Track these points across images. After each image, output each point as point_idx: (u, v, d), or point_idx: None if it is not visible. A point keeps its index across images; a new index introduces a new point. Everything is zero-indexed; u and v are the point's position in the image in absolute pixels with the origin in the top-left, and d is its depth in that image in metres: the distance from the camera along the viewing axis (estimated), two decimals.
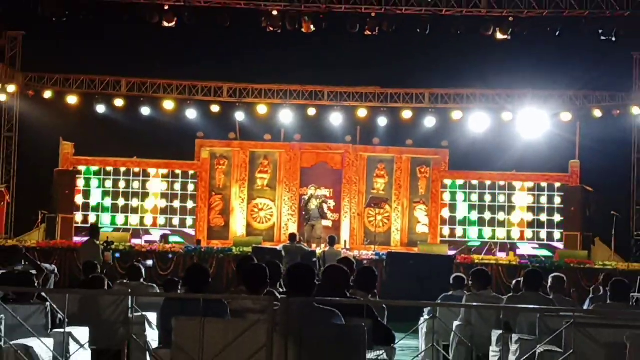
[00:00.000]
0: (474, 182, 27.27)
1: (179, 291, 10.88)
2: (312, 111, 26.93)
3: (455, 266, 19.73)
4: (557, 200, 26.74)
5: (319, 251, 21.94)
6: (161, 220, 26.99)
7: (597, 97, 26.95)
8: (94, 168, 27.20)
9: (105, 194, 27.16)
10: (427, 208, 27.20)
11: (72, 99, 27.02)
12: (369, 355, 6.37)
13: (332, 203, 26.88)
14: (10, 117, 28.14)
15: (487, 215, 27.08)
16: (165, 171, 27.38)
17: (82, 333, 8.26)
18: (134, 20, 21.18)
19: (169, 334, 6.71)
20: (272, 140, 27.52)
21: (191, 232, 26.71)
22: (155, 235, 26.14)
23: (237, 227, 27.07)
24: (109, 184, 27.22)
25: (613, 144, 27.17)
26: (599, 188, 26.21)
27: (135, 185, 27.24)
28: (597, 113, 26.35)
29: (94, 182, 27.15)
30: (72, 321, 8.51)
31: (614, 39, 21.20)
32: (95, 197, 27.06)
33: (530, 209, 27.04)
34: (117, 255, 21.24)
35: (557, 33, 21.03)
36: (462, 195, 27.25)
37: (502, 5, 20.95)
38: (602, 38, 21.19)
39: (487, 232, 26.86)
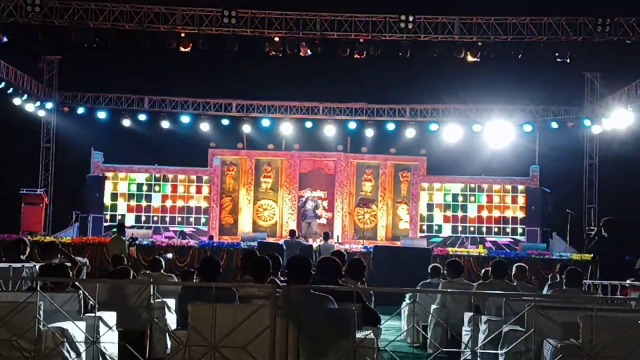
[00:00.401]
0: (449, 185, 27.29)
1: (194, 280, 10.86)
2: (308, 124, 26.95)
3: (432, 257, 19.74)
4: (520, 200, 26.81)
5: (315, 245, 21.94)
6: (179, 218, 26.98)
7: (554, 111, 27.00)
8: (121, 174, 27.22)
9: (130, 196, 27.16)
10: (408, 207, 27.21)
11: (101, 114, 27.04)
12: (358, 335, 6.35)
13: (325, 203, 26.88)
14: (49, 131, 28.15)
15: (460, 214, 27.11)
16: (182, 176, 27.39)
17: (110, 317, 8.25)
18: (155, 46, 21.17)
19: (185, 317, 6.70)
20: (274, 149, 27.53)
21: (205, 229, 26.70)
22: (174, 232, 26.12)
23: (245, 224, 27.07)
24: (133, 187, 27.22)
25: (568, 152, 27.24)
26: (555, 189, 26.27)
27: (156, 188, 27.25)
28: (554, 125, 26.42)
29: (121, 186, 27.13)
30: (101, 307, 8.50)
31: (568, 60, 21.20)
32: (121, 199, 27.04)
33: (497, 208, 27.08)
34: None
35: (520, 56, 21.02)
36: (438, 196, 27.27)
37: (472, 32, 20.93)
38: (558, 60, 21.19)
39: (459, 228, 26.86)
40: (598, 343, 6.23)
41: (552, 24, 20.72)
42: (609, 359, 6.21)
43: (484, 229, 26.77)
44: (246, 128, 27.04)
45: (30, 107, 26.00)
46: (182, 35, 21.07)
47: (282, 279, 8.64)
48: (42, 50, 26.08)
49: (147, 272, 12.78)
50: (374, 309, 7.74)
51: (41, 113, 26.96)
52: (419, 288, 12.15)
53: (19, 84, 25.42)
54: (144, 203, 27.13)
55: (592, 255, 14.86)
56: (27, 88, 26.05)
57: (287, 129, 26.87)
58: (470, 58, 21.09)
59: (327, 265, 7.82)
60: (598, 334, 6.24)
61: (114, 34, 20.91)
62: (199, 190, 27.32)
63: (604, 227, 14.04)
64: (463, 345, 9.88)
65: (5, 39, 20.95)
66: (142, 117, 26.91)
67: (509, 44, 20.95)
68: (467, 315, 10.11)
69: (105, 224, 25.42)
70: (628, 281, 12.80)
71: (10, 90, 24.72)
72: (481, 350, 8.74)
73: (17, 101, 25.13)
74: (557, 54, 21.02)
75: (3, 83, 24.21)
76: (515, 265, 11.95)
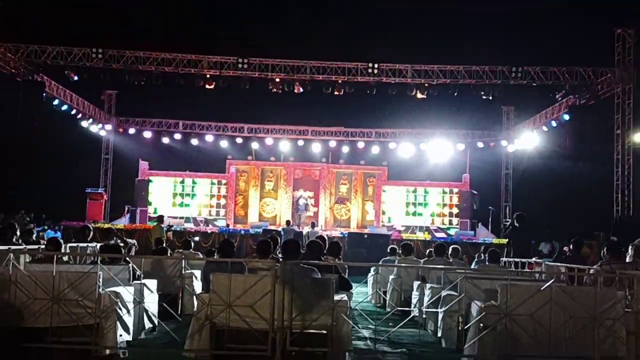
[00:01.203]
0: (403, 187, 27.31)
1: (215, 256, 10.83)
2: (300, 142, 26.99)
3: (390, 241, 19.75)
4: (455, 199, 26.85)
5: (304, 231, 21.92)
6: (204, 211, 26.86)
7: (480, 134, 27.15)
8: (161, 178, 27.06)
9: (168, 194, 27.02)
10: (374, 204, 27.21)
11: (147, 134, 27.00)
12: (336, 297, 6.34)
13: (313, 201, 26.86)
14: (107, 145, 28.08)
15: (411, 208, 27.12)
16: (206, 180, 27.27)
17: (152, 284, 8.21)
18: (187, 84, 21.11)
19: (208, 284, 6.67)
20: (275, 161, 27.47)
21: (223, 219, 26.60)
22: (200, 220, 26.01)
23: (253, 216, 26.98)
24: (170, 188, 27.07)
25: (490, 164, 27.46)
26: (481, 192, 26.37)
27: (187, 189, 27.11)
28: (480, 144, 26.59)
29: (161, 187, 26.99)
30: (146, 276, 8.44)
31: (490, 98, 21.30)
32: (161, 197, 26.90)
33: (438, 205, 27.12)
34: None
35: (455, 94, 21.08)
36: (395, 196, 27.28)
37: (421, 76, 21.00)
38: (483, 97, 21.27)
39: (411, 219, 26.87)
40: (511, 303, 6.24)
41: (479, 71, 20.81)
42: (519, 315, 6.22)
43: (429, 220, 26.79)
44: (254, 145, 27.03)
45: (94, 128, 25.93)
46: (208, 76, 21.02)
47: (280, 255, 8.61)
48: (103, 86, 25.99)
49: (180, 250, 12.73)
50: (347, 278, 7.72)
51: (102, 133, 26.88)
52: (380, 263, 12.16)
53: (86, 111, 25.34)
54: (178, 199, 26.99)
55: (507, 240, 14.91)
56: (92, 114, 25.97)
57: (284, 146, 26.88)
58: (419, 95, 21.15)
59: (313, 246, 7.82)
60: (511, 297, 6.25)
61: (157, 74, 20.84)
62: (218, 191, 27.19)
63: (516, 219, 14.10)
64: (413, 305, 9.88)
65: (76, 77, 20.86)
66: (177, 136, 26.86)
67: (448, 85, 21.02)
68: (416, 284, 10.11)
69: (149, 215, 25.28)
70: (533, 259, 12.86)
71: (80, 115, 24.62)
72: (426, 309, 8.75)
73: (84, 124, 25.06)
74: (482, 93, 21.10)
75: (74, 110, 24.10)
76: (451, 246, 11.98)
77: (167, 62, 20.81)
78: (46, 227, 22.05)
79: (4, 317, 6.27)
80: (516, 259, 12.72)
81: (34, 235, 13.17)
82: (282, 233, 20.16)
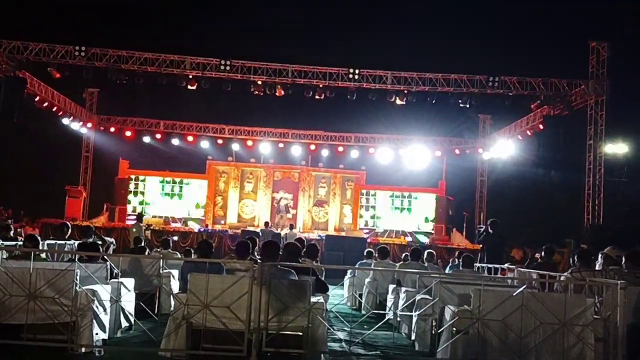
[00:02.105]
0: (381, 192, 27.39)
1: (193, 256, 10.76)
2: (281, 145, 26.93)
3: (367, 244, 19.76)
4: (431, 204, 26.95)
5: (283, 233, 21.84)
6: (183, 211, 26.68)
7: (457, 142, 27.31)
8: (141, 177, 26.84)
9: (147, 193, 26.81)
10: (352, 208, 27.26)
11: (128, 133, 26.79)
12: (313, 299, 6.33)
13: (292, 203, 26.84)
14: (88, 144, 27.78)
15: (388, 213, 27.19)
16: (186, 180, 27.10)
17: (129, 282, 8.12)
18: (169, 84, 20.97)
19: (186, 283, 6.62)
20: (255, 163, 27.39)
21: (202, 219, 26.45)
22: (179, 220, 25.84)
23: (232, 216, 26.87)
24: (150, 187, 26.87)
25: (466, 171, 27.65)
26: (456, 198, 26.57)
27: (167, 188, 26.93)
28: (457, 151, 26.73)
29: (140, 186, 26.78)
30: (123, 274, 8.36)
31: (468, 106, 21.42)
32: (140, 195, 26.69)
33: (414, 209, 27.21)
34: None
35: (434, 101, 21.18)
36: (372, 200, 27.36)
37: (400, 83, 21.06)
38: (461, 105, 21.40)
39: (388, 223, 26.92)
40: (484, 308, 6.29)
41: (457, 79, 20.93)
42: (491, 320, 6.26)
43: (405, 224, 26.86)
44: (235, 146, 26.89)
45: (75, 126, 25.65)
46: (190, 77, 20.90)
47: (258, 257, 8.58)
48: (85, 84, 25.72)
49: (158, 249, 12.63)
50: (324, 281, 7.72)
51: (83, 130, 26.60)
52: (357, 266, 12.15)
53: (67, 109, 25.06)
54: (157, 198, 26.79)
55: (481, 245, 14.99)
56: (73, 112, 25.69)
57: (265, 148, 26.80)
58: (398, 101, 21.21)
59: (291, 248, 7.80)
60: (484, 302, 6.30)
61: (139, 74, 20.66)
62: (198, 191, 27.04)
63: (490, 225, 14.16)
64: (388, 308, 9.90)
65: (58, 75, 20.61)
66: (158, 135, 26.66)
67: (426, 92, 21.11)
68: (391, 287, 10.14)
69: (127, 214, 25.05)
70: (506, 265, 12.95)
71: (61, 113, 24.34)
72: (400, 313, 8.77)
73: (65, 121, 24.77)
74: (460, 101, 21.22)
75: (55, 107, 23.81)
76: (426, 251, 12.05)
77: (150, 61, 20.65)
78: (24, 224, 21.74)
79: None
80: (489, 265, 12.79)
81: (12, 232, 12.98)
82: (260, 234, 20.07)
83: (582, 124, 21.07)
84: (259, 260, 7.07)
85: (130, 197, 26.08)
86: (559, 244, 19.02)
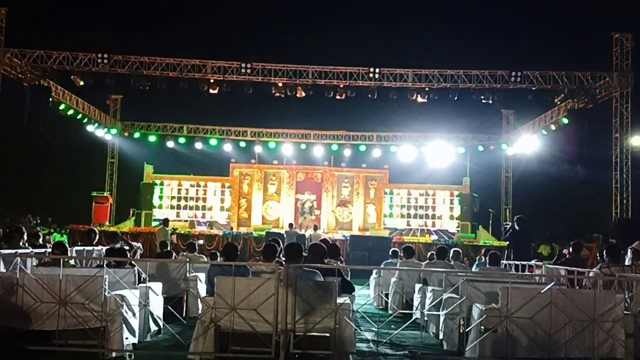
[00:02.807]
0: (404, 190, 27.29)
1: (219, 259, 10.82)
2: (303, 146, 26.98)
3: (392, 243, 19.69)
4: (455, 202, 26.77)
5: (307, 234, 21.85)
6: (208, 214, 26.84)
7: (480, 138, 27.12)
8: (166, 182, 27.07)
9: (172, 197, 27.02)
10: (375, 207, 27.19)
11: (152, 138, 27.01)
12: (338, 300, 6.34)
13: (315, 203, 26.87)
14: (113, 149, 28.07)
15: (412, 211, 27.08)
16: (211, 183, 27.26)
17: (157, 286, 8.20)
18: (191, 88, 21.09)
19: (212, 286, 6.67)
20: (278, 164, 27.44)
21: (227, 222, 26.58)
22: (204, 223, 25.97)
23: (256, 218, 26.95)
24: (175, 191, 27.07)
25: (490, 167, 27.47)
26: (481, 195, 26.35)
27: (192, 192, 27.09)
28: (480, 148, 26.53)
29: (166, 190, 26.99)
30: (151, 279, 8.47)
31: (490, 102, 21.21)
32: (166, 200, 26.91)
33: (439, 207, 27.07)
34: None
35: (456, 98, 21.02)
36: (397, 199, 27.26)
37: (421, 80, 20.96)
38: (483, 101, 21.20)
39: (412, 222, 26.82)
40: (512, 306, 6.24)
41: (479, 75, 20.77)
42: (519, 317, 6.22)
43: (430, 223, 26.73)
44: (258, 148, 26.98)
45: (100, 133, 25.95)
46: (212, 81, 21.00)
47: (283, 259, 8.61)
48: (109, 91, 26.02)
49: (185, 253, 12.72)
50: (349, 281, 7.72)
51: (108, 137, 26.89)
52: (382, 266, 12.12)
53: (92, 116, 25.37)
54: (182, 202, 26.98)
55: (507, 242, 14.87)
56: (98, 118, 26.00)
57: (287, 149, 26.85)
58: (420, 99, 21.09)
59: (315, 249, 7.82)
60: (512, 299, 6.25)
61: (162, 79, 20.82)
62: (222, 194, 27.17)
63: (516, 222, 14.07)
64: (414, 308, 9.87)
65: (82, 83, 20.87)
66: (182, 140, 26.88)
67: (448, 89, 20.98)
68: (418, 286, 10.09)
69: (154, 218, 25.28)
70: (533, 262, 12.82)
71: (85, 120, 24.67)
72: (427, 312, 8.74)
73: (90, 128, 25.09)
74: (482, 97, 21.04)
75: (80, 115, 24.14)
76: (452, 249, 11.97)
77: (172, 67, 20.80)
78: (52, 231, 22.09)
79: (11, 320, 6.28)
80: (516, 262, 12.69)
81: (41, 239, 13.18)
82: (284, 236, 20.11)
83: (607, 117, 20.77)
84: (284, 262, 7.10)
85: (156, 201, 26.30)
86: (586, 239, 18.83)
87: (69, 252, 9.57)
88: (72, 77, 20.64)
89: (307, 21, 29.17)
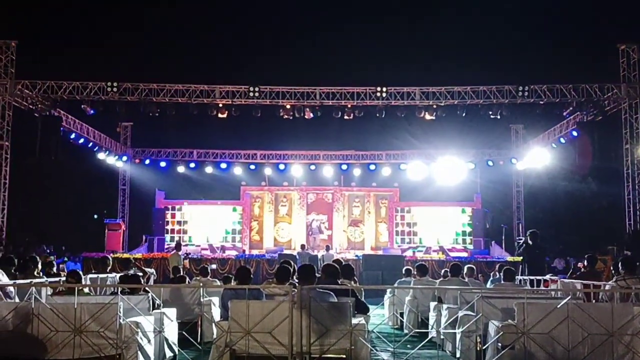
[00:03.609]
0: (415, 208, 27.22)
1: (232, 283, 10.80)
2: (313, 167, 26.99)
3: (405, 262, 19.59)
4: (467, 218, 26.68)
5: (319, 255, 21.80)
6: (220, 238, 26.85)
7: (490, 153, 27.02)
8: (177, 207, 27.16)
9: (184, 222, 27.09)
10: (387, 225, 27.12)
11: (162, 164, 27.17)
12: (353, 320, 6.31)
13: (326, 224, 26.86)
14: (124, 176, 28.23)
15: (424, 229, 26.97)
16: (222, 207, 27.32)
17: (171, 312, 8.19)
18: (200, 113, 21.22)
19: (226, 310, 6.66)
20: (288, 186, 27.50)
21: (239, 245, 26.59)
22: (216, 247, 25.97)
23: (268, 241, 26.96)
24: (186, 216, 27.15)
25: (500, 182, 27.38)
26: (493, 210, 26.27)
27: (203, 217, 27.17)
28: (490, 163, 26.40)
29: (177, 216, 27.08)
30: (165, 304, 8.45)
31: (499, 117, 21.19)
32: (177, 225, 26.98)
33: (451, 224, 26.95)
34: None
35: (464, 114, 21.01)
36: (408, 217, 27.19)
37: (428, 98, 20.97)
38: (491, 117, 21.18)
39: (424, 239, 26.70)
40: (528, 322, 6.19)
41: (486, 91, 20.78)
42: (537, 333, 6.16)
43: (442, 240, 26.59)
44: (267, 171, 27.06)
45: (111, 160, 26.11)
46: (220, 105, 21.12)
47: (296, 280, 8.59)
48: (119, 119, 26.23)
49: (198, 278, 12.71)
50: (364, 301, 7.68)
51: (119, 164, 27.05)
52: (396, 285, 12.06)
53: (103, 144, 25.57)
54: (194, 227, 27.04)
55: (521, 257, 14.76)
56: (109, 146, 26.18)
57: (297, 170, 26.90)
58: (427, 116, 21.09)
59: (329, 270, 7.80)
60: (528, 315, 6.20)
61: (171, 105, 20.98)
62: (234, 217, 27.24)
63: (529, 236, 13.97)
64: (430, 326, 9.79)
65: (92, 112, 21.06)
66: (192, 164, 27.00)
67: (456, 106, 20.98)
68: (432, 304, 10.03)
69: (166, 244, 25.32)
70: (548, 276, 12.73)
71: (96, 148, 24.86)
72: (443, 330, 8.67)
73: (101, 156, 25.25)
74: (490, 112, 21.02)
75: (91, 143, 24.34)
76: (466, 266, 11.91)
77: (181, 93, 20.97)
78: (66, 259, 22.15)
79: (28, 350, 6.29)
80: (531, 277, 12.59)
81: (55, 268, 13.22)
82: (297, 257, 20.08)
83: (617, 129, 20.70)
84: (297, 284, 7.08)
85: (168, 226, 26.37)
86: (600, 252, 18.65)
87: (83, 280, 9.58)
88: (82, 106, 20.84)
89: (312, 43, 29.38)
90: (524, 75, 21.49)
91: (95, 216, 25.32)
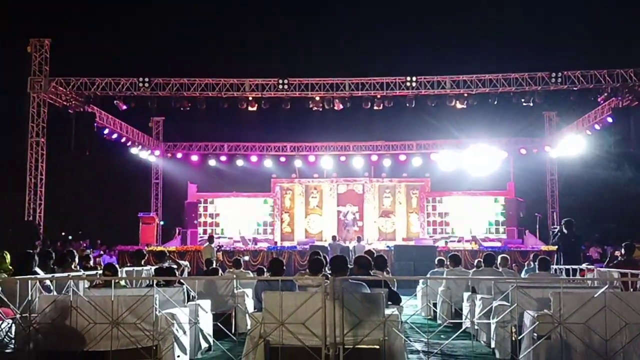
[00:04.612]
0: (447, 198, 27.04)
1: (265, 275, 10.88)
2: (342, 158, 26.95)
3: (437, 252, 19.47)
4: (500, 208, 26.40)
5: (351, 246, 21.81)
6: (252, 230, 27.03)
7: (523, 141, 26.61)
8: (209, 199, 27.42)
9: (216, 215, 27.34)
10: (418, 216, 27.00)
11: (194, 157, 27.42)
12: (386, 312, 6.30)
13: (358, 215, 26.83)
14: (157, 170, 28.58)
15: (456, 219, 26.77)
16: (253, 199, 27.50)
17: (206, 304, 8.28)
18: (231, 107, 21.34)
19: (260, 302, 6.71)
20: (318, 178, 27.54)
21: (270, 237, 26.73)
22: (249, 239, 26.13)
23: (299, 232, 27.06)
24: (219, 209, 27.40)
25: (534, 171, 26.99)
26: (526, 199, 25.93)
27: (235, 209, 27.38)
28: (523, 151, 26.04)
29: (210, 208, 27.34)
30: (200, 296, 8.56)
31: (531, 104, 20.89)
32: (210, 218, 27.24)
33: (484, 214, 26.70)
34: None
35: (495, 102, 20.77)
36: (439, 207, 27.01)
37: (459, 86, 20.77)
38: (524, 104, 20.90)
39: (457, 229, 26.48)
40: (565, 312, 6.11)
41: (518, 78, 20.50)
42: (573, 323, 6.08)
43: (475, 230, 26.33)
44: (298, 163, 27.11)
45: (144, 155, 26.43)
46: (250, 98, 21.23)
47: (328, 272, 8.60)
48: (151, 114, 26.50)
49: (231, 270, 12.83)
50: (396, 292, 7.67)
51: (152, 158, 27.37)
52: (429, 275, 12.01)
53: (135, 139, 25.88)
54: (226, 220, 27.27)
55: (556, 247, 14.57)
56: (141, 141, 26.50)
57: (327, 162, 26.88)
58: (458, 105, 20.91)
59: (362, 261, 7.81)
60: (564, 305, 6.12)
61: (201, 100, 21.15)
62: (265, 209, 27.39)
63: (564, 225, 13.79)
64: (464, 317, 9.74)
65: (125, 107, 21.34)
66: (223, 158, 27.18)
67: (487, 94, 20.74)
68: (466, 295, 9.97)
69: (199, 236, 25.57)
70: (584, 265, 12.55)
71: (129, 143, 25.18)
72: (477, 321, 8.62)
73: (134, 151, 25.57)
74: (522, 100, 20.74)
75: (124, 138, 24.66)
76: (500, 256, 11.80)
77: (211, 87, 21.11)
78: (102, 253, 22.55)
79: (67, 342, 6.42)
80: (567, 266, 12.42)
81: (91, 261, 13.47)
82: (328, 248, 20.11)
83: None
84: (329, 275, 7.09)
85: (201, 219, 26.64)
86: (638, 240, 18.29)
87: (119, 273, 9.75)
88: (115, 101, 21.12)
89: (341, 33, 29.27)
90: (557, 62, 21.09)
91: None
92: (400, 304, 7.39)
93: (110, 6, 30.75)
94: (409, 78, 20.76)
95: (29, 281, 6.75)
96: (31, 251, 9.24)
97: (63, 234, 26.15)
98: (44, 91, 20.62)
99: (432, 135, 26.93)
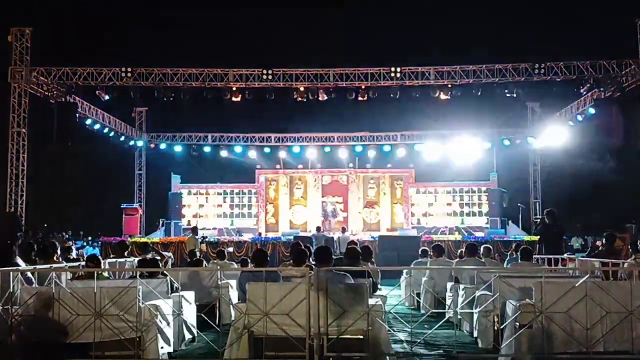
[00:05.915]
0: (431, 189, 27.14)
1: (249, 266, 10.86)
2: (327, 149, 26.96)
3: (421, 242, 19.54)
4: (484, 198, 26.51)
5: (335, 236, 21.84)
6: (236, 221, 26.97)
7: (506, 132, 26.75)
8: (193, 190, 27.30)
9: (200, 206, 27.24)
10: (402, 207, 27.08)
11: (178, 148, 27.33)
12: (370, 302, 6.33)
13: (342, 206, 26.87)
14: (140, 161, 28.40)
15: (440, 209, 26.89)
16: (237, 190, 27.42)
17: (190, 295, 8.26)
18: (214, 97, 21.24)
19: (244, 293, 6.71)
20: (303, 169, 27.51)
21: (254, 227, 26.69)
22: (232, 230, 26.09)
23: (284, 223, 27.04)
24: (202, 200, 27.29)
25: (517, 161, 27.19)
26: (509, 189, 26.09)
27: (219, 200, 27.30)
28: (506, 142, 26.19)
29: (193, 199, 27.23)
30: (183, 288, 8.53)
31: (514, 95, 21.03)
32: (194, 209, 27.13)
33: (467, 204, 26.83)
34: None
35: (479, 93, 20.84)
36: (423, 198, 27.12)
37: (443, 77, 20.82)
38: (507, 95, 21.01)
39: (440, 220, 26.57)
40: (546, 301, 6.18)
41: (502, 69, 20.60)
42: (555, 312, 6.15)
43: (458, 220, 26.48)
44: (282, 154, 27.07)
45: (126, 145, 26.23)
46: (234, 88, 21.13)
47: (313, 262, 8.62)
48: (133, 104, 26.31)
49: (215, 261, 12.79)
50: (374, 282, 7.70)
51: (134, 149, 27.19)
52: (412, 266, 12.07)
53: (118, 129, 25.69)
54: (210, 210, 27.18)
55: (538, 237, 14.70)
56: (124, 131, 26.32)
57: (311, 153, 26.87)
58: (442, 96, 20.96)
59: (352, 252, 7.84)
60: (546, 294, 6.19)
61: (185, 90, 21.03)
62: (249, 200, 27.32)
63: (546, 215, 13.90)
64: (447, 307, 9.81)
65: (107, 97, 21.16)
66: (207, 149, 27.05)
67: (471, 85, 20.82)
68: (449, 285, 10.03)
69: (183, 227, 25.49)
70: (565, 255, 12.68)
71: (112, 133, 24.99)
72: (460, 310, 8.68)
73: (117, 141, 25.38)
74: (506, 91, 20.85)
75: (106, 129, 24.47)
76: (483, 246, 11.86)
77: (194, 77, 20.99)
78: (84, 244, 22.41)
79: (49, 334, 6.39)
80: (549, 256, 12.53)
81: (74, 253, 13.38)
82: (313, 239, 20.13)
83: (636, 105, 20.40)
84: (314, 266, 7.10)
85: (184, 210, 26.53)
86: (619, 230, 18.51)
87: (102, 264, 9.69)
88: (97, 92, 20.93)
89: (325, 24, 29.20)
90: (540, 53, 21.21)
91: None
92: (383, 293, 7.42)
93: None
94: (393, 69, 20.80)
95: (11, 273, 6.68)
96: (12, 242, 9.15)
97: (45, 225, 25.90)
98: (25, 81, 20.38)
99: (417, 126, 27.01)
